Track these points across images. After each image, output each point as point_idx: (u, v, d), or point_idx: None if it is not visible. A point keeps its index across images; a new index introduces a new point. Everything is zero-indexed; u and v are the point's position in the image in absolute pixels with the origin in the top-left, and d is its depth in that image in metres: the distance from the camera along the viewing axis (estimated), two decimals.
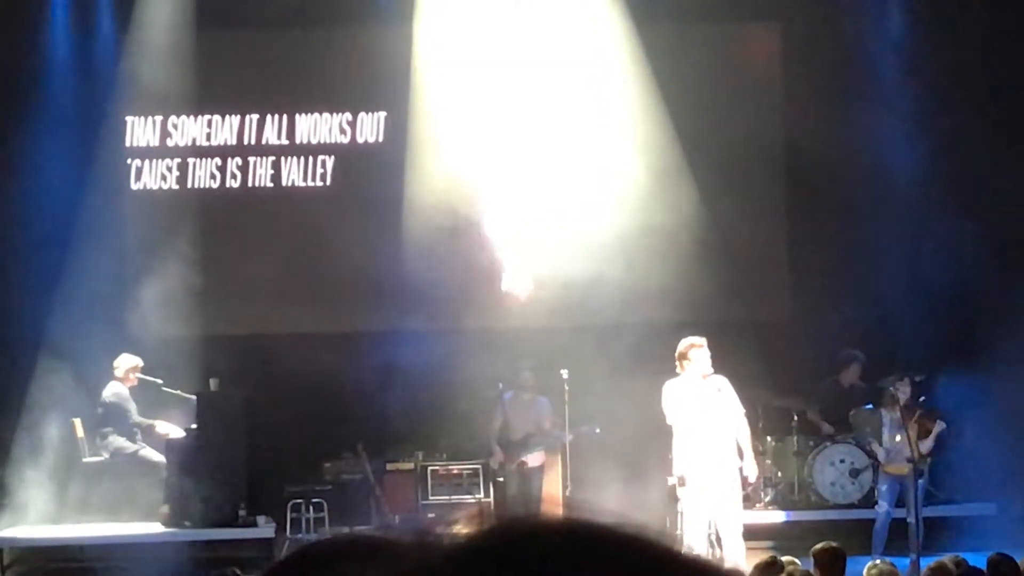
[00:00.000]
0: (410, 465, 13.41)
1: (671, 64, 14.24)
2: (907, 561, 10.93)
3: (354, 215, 14.14)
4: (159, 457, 12.85)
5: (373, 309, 14.09)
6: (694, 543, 10.84)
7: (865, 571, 7.86)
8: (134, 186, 14.30)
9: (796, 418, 13.45)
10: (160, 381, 12.99)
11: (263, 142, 14.45)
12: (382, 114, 14.41)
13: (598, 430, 12.82)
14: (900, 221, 14.05)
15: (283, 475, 13.19)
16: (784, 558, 8.22)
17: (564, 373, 12.70)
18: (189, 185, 14.38)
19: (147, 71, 13.94)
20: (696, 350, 10.96)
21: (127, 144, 14.26)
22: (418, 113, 14.23)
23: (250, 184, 14.45)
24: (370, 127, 14.45)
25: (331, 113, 14.44)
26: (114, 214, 13.94)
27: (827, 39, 14.30)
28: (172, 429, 12.90)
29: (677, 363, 11.00)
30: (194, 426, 12.69)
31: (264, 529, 12.69)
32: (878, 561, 8.38)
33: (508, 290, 14.22)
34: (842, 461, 13.04)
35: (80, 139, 13.86)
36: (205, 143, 14.38)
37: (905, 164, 14.07)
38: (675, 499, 11.25)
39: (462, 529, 1.08)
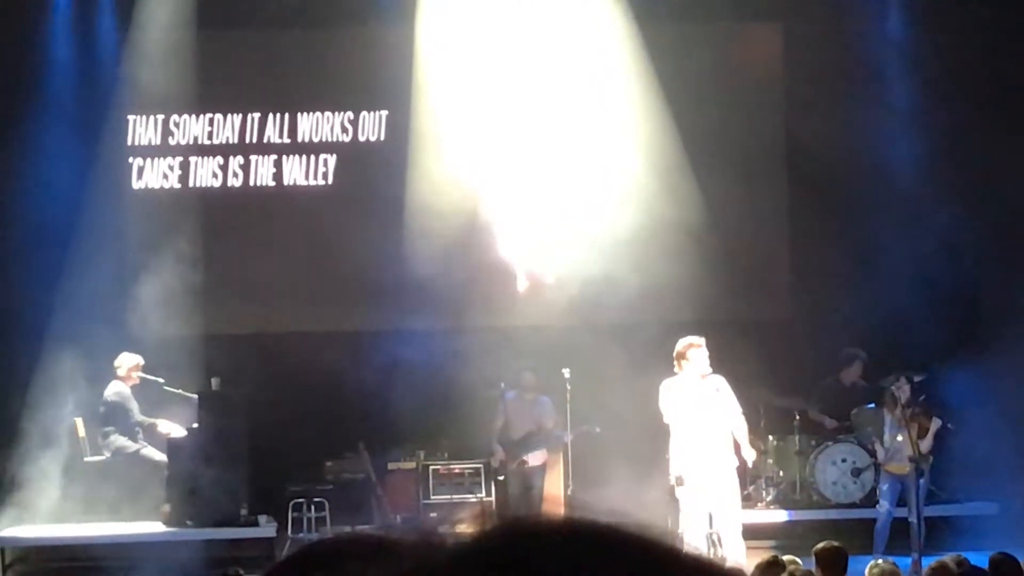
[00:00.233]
0: (412, 464, 13.40)
1: (673, 64, 14.24)
2: (908, 560, 10.93)
3: (356, 214, 14.14)
4: (161, 456, 12.85)
5: (375, 308, 14.09)
6: (694, 542, 10.83)
7: (867, 571, 7.86)
8: (136, 185, 14.30)
9: (798, 417, 13.45)
10: (162, 380, 12.99)
11: (265, 141, 14.45)
12: (384, 113, 14.41)
13: (599, 429, 12.81)
14: (902, 220, 14.04)
15: (285, 474, 13.19)
16: (786, 557, 8.22)
17: (566, 372, 12.70)
18: (191, 184, 14.38)
19: (148, 70, 13.94)
20: (695, 350, 10.97)
21: (128, 143, 14.26)
22: (420, 112, 14.23)
23: (252, 183, 14.45)
24: (372, 126, 14.44)
25: (333, 112, 14.43)
26: (116, 213, 13.93)
27: (828, 39, 14.29)
28: (174, 428, 12.90)
29: (675, 362, 11.00)
30: (196, 425, 12.70)
31: (266, 528, 12.69)
32: (880, 561, 8.39)
33: (524, 289, 14.23)
34: (844, 460, 13.03)
35: (82, 138, 13.86)
36: (207, 142, 14.38)
37: (907, 163, 14.07)
38: (676, 499, 11.25)
39: (465, 529, 1.08)
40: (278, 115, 14.41)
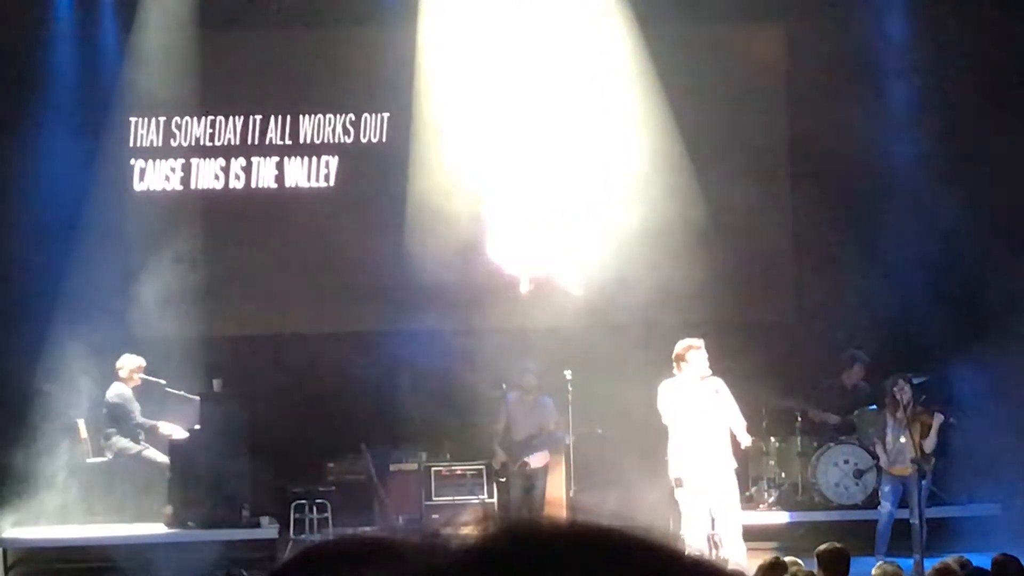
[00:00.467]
0: (414, 466, 13.40)
1: (677, 65, 14.23)
2: (911, 562, 10.92)
3: (357, 215, 14.16)
4: (163, 458, 12.86)
5: (376, 310, 14.10)
6: (694, 544, 10.83)
7: (873, 573, 7.86)
8: (137, 187, 14.30)
9: (800, 419, 13.45)
10: (163, 382, 12.99)
11: (266, 143, 14.45)
12: (385, 114, 14.40)
13: (601, 431, 12.80)
14: (906, 220, 14.03)
15: (286, 476, 13.18)
16: (788, 559, 8.22)
17: (567, 374, 12.69)
18: (192, 186, 14.38)
19: (150, 72, 13.95)
20: (694, 352, 10.97)
21: (130, 145, 14.26)
22: (422, 113, 14.23)
23: (253, 185, 14.45)
24: (374, 127, 14.44)
25: (335, 114, 14.44)
26: (117, 215, 13.94)
27: (830, 39, 14.29)
28: (175, 430, 12.90)
29: (674, 364, 11.01)
30: (197, 427, 12.70)
31: (267, 530, 12.69)
32: (884, 563, 8.38)
33: (526, 291, 14.22)
34: (846, 462, 13.03)
35: (83, 140, 13.86)
36: (208, 143, 14.38)
37: (910, 163, 14.07)
38: (676, 500, 11.25)
39: (468, 532, 1.08)
40: (280, 117, 14.41)
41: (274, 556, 12.44)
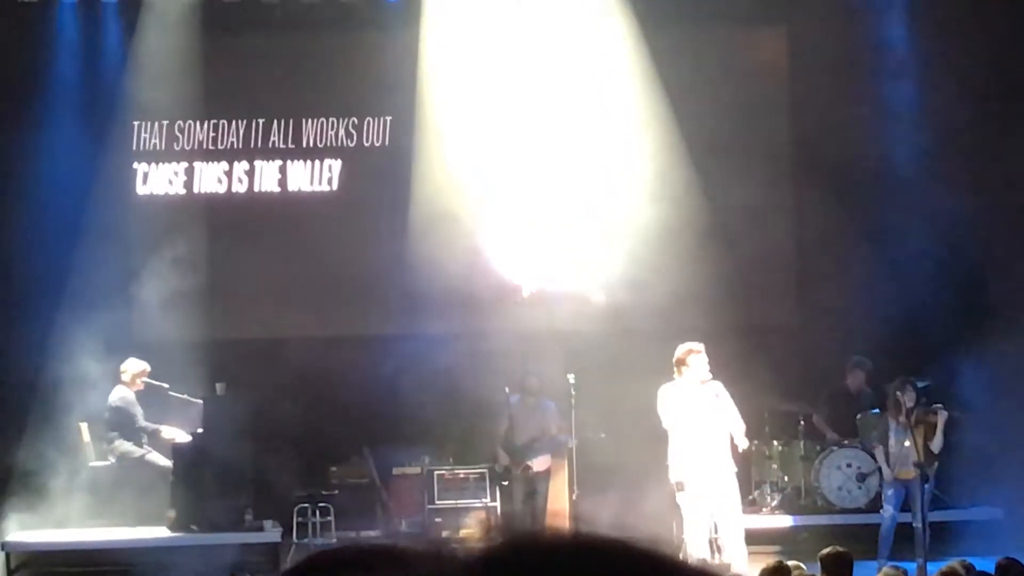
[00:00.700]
0: (417, 469, 13.40)
1: (679, 68, 14.23)
2: (914, 566, 10.91)
3: (360, 219, 14.17)
4: (165, 461, 12.86)
5: (379, 313, 14.10)
6: (696, 548, 10.84)
7: None
8: (140, 191, 14.31)
9: (803, 423, 13.44)
10: (166, 385, 13.00)
11: (269, 146, 14.46)
12: (388, 118, 14.40)
13: (604, 434, 12.80)
14: (910, 221, 14.03)
15: (289, 479, 13.18)
16: (791, 563, 8.21)
17: (570, 378, 12.69)
18: (195, 190, 14.39)
19: (153, 76, 13.95)
20: (694, 356, 10.98)
21: (133, 148, 14.26)
22: (425, 117, 14.23)
23: (256, 189, 14.45)
24: (376, 131, 14.44)
25: (337, 118, 14.44)
26: (121, 218, 13.94)
27: (832, 42, 14.29)
28: (178, 433, 12.90)
29: (675, 368, 11.01)
30: (200, 430, 12.70)
31: (270, 533, 12.69)
32: (888, 567, 8.38)
33: (528, 294, 14.21)
34: (849, 465, 13.02)
35: (87, 143, 13.87)
36: (211, 147, 14.38)
37: (914, 165, 14.07)
38: (678, 504, 11.25)
39: (472, 540, 1.08)
40: (282, 121, 14.41)
41: (277, 560, 12.44)
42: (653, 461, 11.46)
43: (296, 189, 14.49)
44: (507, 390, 13.02)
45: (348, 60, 14.32)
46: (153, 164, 14.34)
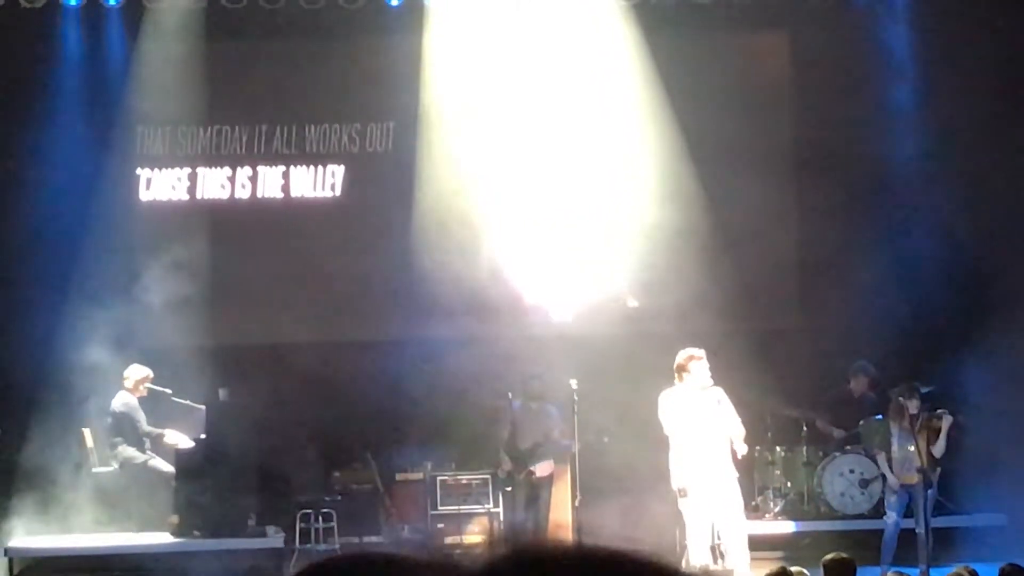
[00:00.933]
0: (419, 475, 13.40)
1: (682, 74, 14.23)
2: (917, 572, 10.91)
3: (364, 225, 14.17)
4: (168, 467, 12.87)
5: (382, 319, 14.10)
6: (698, 553, 10.84)
7: None
8: (144, 196, 14.31)
9: (805, 428, 13.44)
10: (169, 391, 13.00)
11: (272, 152, 14.46)
12: (391, 123, 14.39)
13: (607, 439, 12.79)
14: (913, 227, 14.03)
15: (292, 485, 13.19)
16: (794, 569, 8.21)
17: (573, 383, 12.68)
18: (198, 195, 14.39)
19: (156, 82, 13.96)
20: (696, 362, 10.98)
21: (137, 154, 14.26)
22: (428, 122, 14.22)
23: (259, 194, 14.46)
24: (379, 137, 14.44)
25: (340, 123, 14.44)
26: (124, 224, 13.94)
27: (835, 46, 14.30)
28: (181, 439, 12.91)
29: (676, 374, 11.01)
30: (203, 436, 12.71)
31: (273, 539, 12.69)
32: (891, 573, 8.38)
33: (531, 299, 14.20)
34: (852, 471, 13.01)
35: (90, 149, 13.88)
36: (214, 153, 14.39)
37: (916, 169, 14.07)
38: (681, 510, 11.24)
39: (475, 549, 1.08)
40: (286, 126, 14.41)
41: (280, 565, 12.44)
42: (656, 467, 11.46)
43: (299, 195, 14.49)
44: (510, 395, 13.02)
45: (351, 65, 14.32)
46: (156, 170, 14.34)
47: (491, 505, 13.15)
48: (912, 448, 11.55)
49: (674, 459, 10.99)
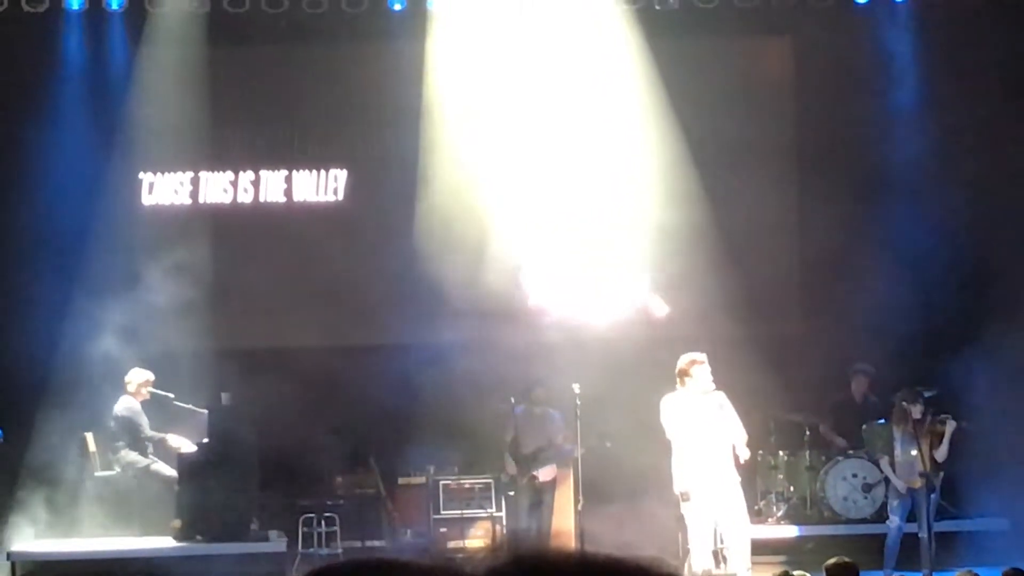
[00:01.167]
0: (422, 479, 13.40)
1: (685, 78, 14.23)
2: None
3: (366, 229, 14.17)
4: (171, 471, 12.86)
5: (385, 323, 14.10)
6: (700, 558, 10.84)
7: None
8: (146, 201, 14.32)
9: (808, 432, 13.44)
10: (172, 395, 13.01)
11: (275, 157, 14.46)
12: (394, 128, 14.38)
13: (609, 444, 12.80)
14: (915, 231, 14.03)
15: (295, 489, 13.19)
16: (796, 573, 8.22)
17: (576, 387, 12.68)
18: (201, 200, 14.39)
19: (159, 86, 13.97)
20: (698, 367, 10.98)
21: (139, 158, 14.25)
22: (431, 126, 14.22)
23: (262, 199, 14.46)
24: (382, 141, 14.42)
25: (343, 127, 14.43)
26: (126, 229, 13.95)
27: (837, 51, 14.31)
28: (184, 443, 12.91)
29: (678, 379, 11.02)
30: (206, 440, 12.70)
31: (276, 543, 12.68)
32: None
33: (534, 304, 14.20)
34: (855, 476, 13.01)
35: (93, 153, 13.89)
36: (217, 157, 14.38)
37: (919, 174, 14.07)
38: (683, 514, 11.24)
39: (478, 558, 1.08)
40: (288, 131, 14.41)
41: (282, 570, 12.44)
42: (658, 471, 11.46)
43: (302, 199, 14.49)
44: (512, 400, 13.02)
45: (354, 70, 14.32)
46: (159, 174, 14.35)
47: (494, 509, 13.15)
48: (915, 453, 11.55)
49: (676, 463, 10.99)
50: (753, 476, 12.64)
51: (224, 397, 12.95)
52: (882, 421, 12.57)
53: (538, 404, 13.04)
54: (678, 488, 10.99)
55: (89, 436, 13.10)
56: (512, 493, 12.95)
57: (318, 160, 14.50)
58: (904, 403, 11.66)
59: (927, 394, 11.83)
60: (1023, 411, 12.50)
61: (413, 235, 14.11)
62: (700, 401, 10.96)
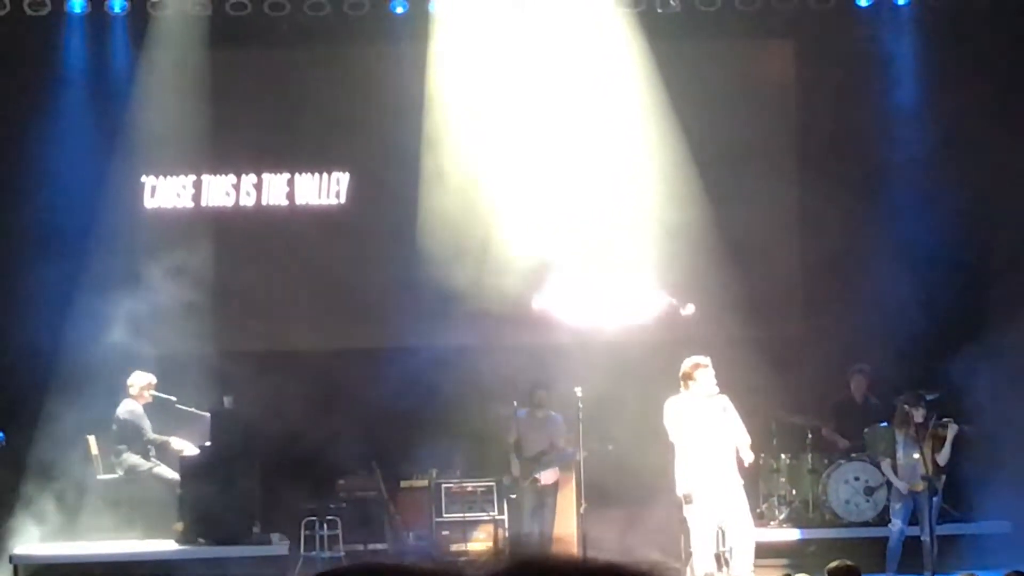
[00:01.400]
0: (424, 482, 13.40)
1: (686, 83, 14.24)
2: None
3: (369, 232, 14.18)
4: (173, 474, 12.87)
5: (387, 326, 14.10)
6: (702, 560, 10.84)
7: None
8: (148, 204, 14.33)
9: (811, 435, 13.43)
10: (174, 398, 13.01)
11: (277, 160, 14.46)
12: (397, 131, 14.38)
13: (612, 447, 12.80)
14: (916, 233, 14.04)
15: (297, 492, 13.19)
16: None
17: (578, 391, 12.69)
18: (203, 203, 14.40)
19: (161, 89, 13.97)
20: (701, 370, 10.99)
21: (141, 161, 14.26)
22: (433, 129, 14.22)
23: (264, 202, 14.46)
24: (385, 144, 14.42)
25: (345, 130, 14.43)
26: (128, 232, 13.95)
27: (838, 54, 14.33)
28: (186, 446, 12.92)
29: (681, 382, 11.02)
30: (208, 443, 12.71)
31: (278, 546, 12.69)
32: None
33: (537, 307, 14.19)
34: (857, 479, 13.01)
35: (94, 156, 13.89)
36: (219, 160, 14.38)
37: (921, 176, 14.08)
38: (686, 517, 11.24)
39: (479, 559, 1.09)
40: (290, 134, 14.41)
41: (284, 573, 12.45)
42: (660, 474, 11.46)
43: (304, 202, 14.49)
44: (515, 403, 13.02)
45: (356, 73, 14.33)
46: (161, 177, 14.35)
47: (496, 512, 13.16)
48: (917, 456, 11.55)
49: (679, 466, 10.99)
50: (755, 479, 12.64)
51: (226, 400, 12.96)
52: (884, 424, 12.58)
53: (540, 407, 13.05)
54: (681, 491, 10.99)
55: (92, 439, 13.11)
56: (514, 496, 12.95)
57: (320, 163, 14.50)
58: (906, 406, 11.67)
59: (929, 397, 11.84)
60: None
61: (415, 238, 14.12)
62: (704, 404, 10.96)
